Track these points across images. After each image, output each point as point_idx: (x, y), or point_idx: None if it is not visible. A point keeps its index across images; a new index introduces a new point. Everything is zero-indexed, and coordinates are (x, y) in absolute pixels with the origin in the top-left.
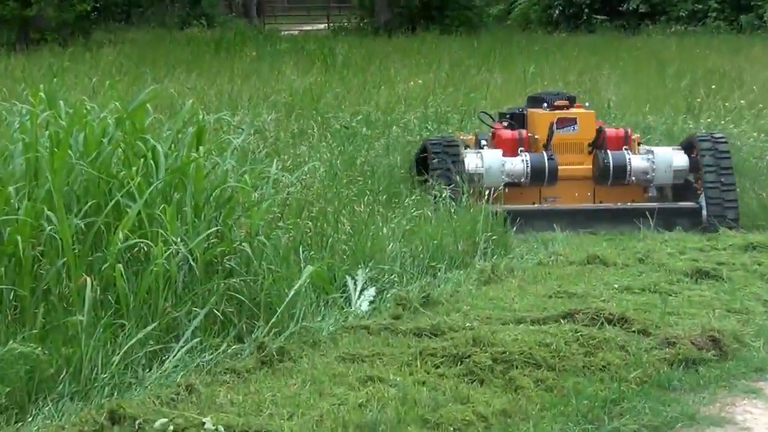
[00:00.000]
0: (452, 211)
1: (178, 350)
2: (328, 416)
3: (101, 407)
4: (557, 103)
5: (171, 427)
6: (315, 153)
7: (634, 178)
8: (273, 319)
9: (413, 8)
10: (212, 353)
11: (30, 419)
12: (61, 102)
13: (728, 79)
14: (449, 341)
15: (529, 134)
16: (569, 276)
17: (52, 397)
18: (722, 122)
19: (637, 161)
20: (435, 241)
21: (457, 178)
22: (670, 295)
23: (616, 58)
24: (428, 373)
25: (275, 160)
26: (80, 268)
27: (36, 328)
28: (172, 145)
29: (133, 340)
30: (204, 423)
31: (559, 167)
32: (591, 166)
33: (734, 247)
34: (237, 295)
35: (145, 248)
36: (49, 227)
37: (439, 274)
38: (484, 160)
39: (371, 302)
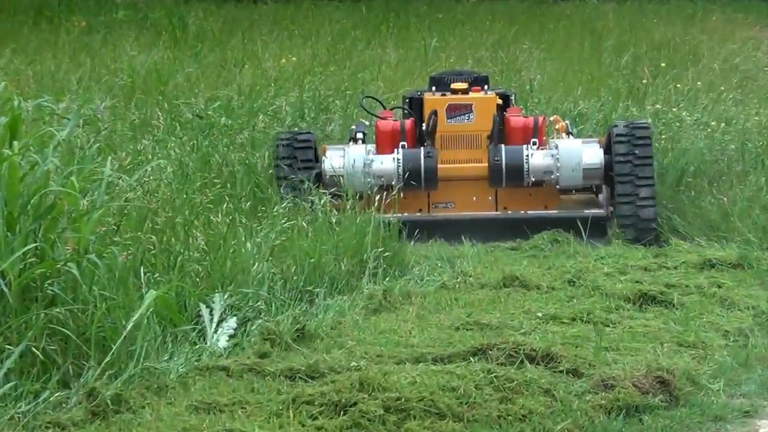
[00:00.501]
0: (334, 221)
1: None
2: None
3: None
4: (454, 85)
5: None
6: (161, 149)
7: (533, 179)
8: (107, 359)
9: None
10: (30, 402)
11: None
12: None
13: (680, 55)
14: (330, 385)
15: (424, 125)
16: (481, 302)
17: None
18: (673, 109)
19: (538, 158)
20: (312, 260)
21: (308, 184)
22: (608, 326)
23: (539, 28)
24: (303, 426)
25: (110, 158)
26: None
27: None
28: None
29: None
30: None
31: (448, 166)
32: None
33: (687, 265)
34: (62, 329)
35: None
36: None
37: (317, 300)
38: (346, 159)
39: (231, 336)
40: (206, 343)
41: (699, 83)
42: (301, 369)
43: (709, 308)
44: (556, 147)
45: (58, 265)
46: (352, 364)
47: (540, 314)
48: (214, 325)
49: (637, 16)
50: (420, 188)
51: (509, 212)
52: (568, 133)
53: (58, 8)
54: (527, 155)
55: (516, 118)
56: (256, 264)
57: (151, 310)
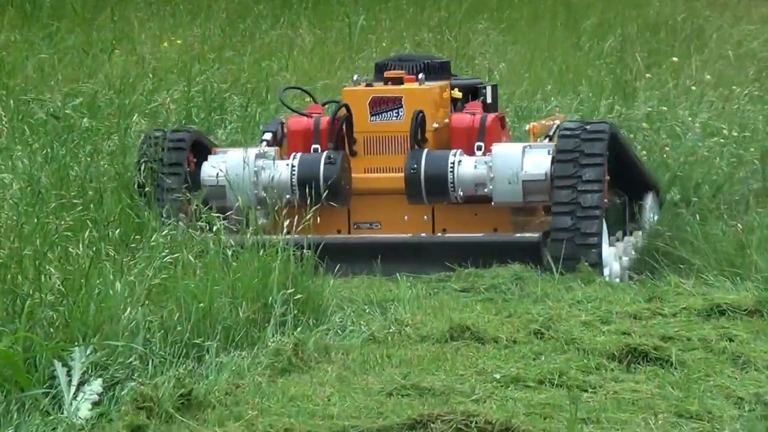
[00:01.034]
0: (230, 254)
1: None
2: None
3: None
4: (388, 73)
5: None
6: (4, 160)
7: (461, 193)
8: None
9: None
10: None
11: None
12: None
13: (682, 38)
14: None
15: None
16: (421, 360)
17: None
18: (674, 108)
19: (467, 167)
20: (201, 304)
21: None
22: (586, 391)
23: (499, 3)
24: None
25: None
26: None
27: None
28: None
29: None
30: None
31: (368, 176)
32: None
33: (690, 312)
34: None
35: None
36: None
37: (208, 356)
38: (227, 164)
39: (96, 404)
40: (63, 413)
41: (706, 75)
42: None
43: (717, 368)
44: (490, 153)
45: None
46: None
47: (498, 376)
48: (73, 389)
49: None
50: (321, 202)
51: (409, 235)
52: (549, 139)
53: None
54: (453, 163)
55: (459, 116)
56: (129, 309)
57: None
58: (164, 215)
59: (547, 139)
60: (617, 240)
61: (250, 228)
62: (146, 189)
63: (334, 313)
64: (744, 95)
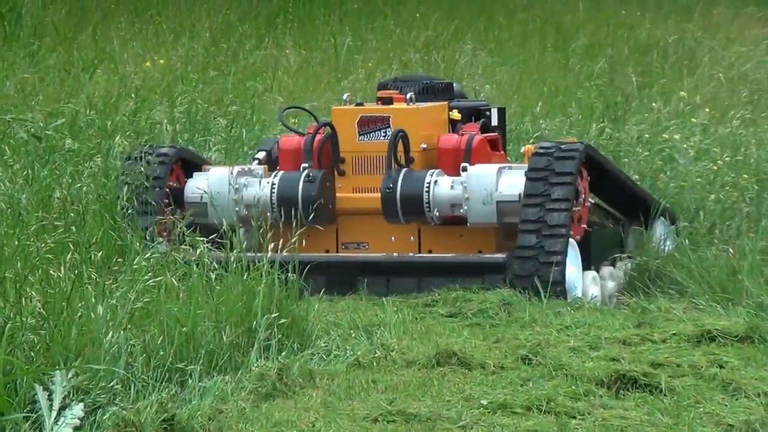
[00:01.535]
0: (213, 277)
1: None
2: None
3: None
4: (380, 93)
5: None
6: None
7: (437, 213)
8: None
9: None
10: None
11: None
12: None
13: (673, 60)
14: None
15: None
16: (407, 386)
17: None
18: (667, 131)
19: (444, 187)
20: (184, 328)
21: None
22: (574, 417)
23: (488, 23)
24: None
25: None
26: None
27: None
28: None
29: None
30: None
31: (353, 196)
32: None
33: (680, 338)
34: None
35: None
36: None
37: (191, 381)
38: (209, 181)
39: (77, 429)
40: None
41: (697, 97)
42: None
43: (707, 395)
44: (466, 171)
45: None
46: None
47: (485, 402)
48: (54, 413)
49: (617, 8)
50: (305, 222)
51: (381, 255)
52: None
53: None
54: (429, 183)
55: (446, 137)
56: (111, 333)
57: None
58: (147, 237)
59: None
60: (606, 263)
61: (234, 249)
62: (127, 207)
63: (319, 338)
64: (736, 118)
